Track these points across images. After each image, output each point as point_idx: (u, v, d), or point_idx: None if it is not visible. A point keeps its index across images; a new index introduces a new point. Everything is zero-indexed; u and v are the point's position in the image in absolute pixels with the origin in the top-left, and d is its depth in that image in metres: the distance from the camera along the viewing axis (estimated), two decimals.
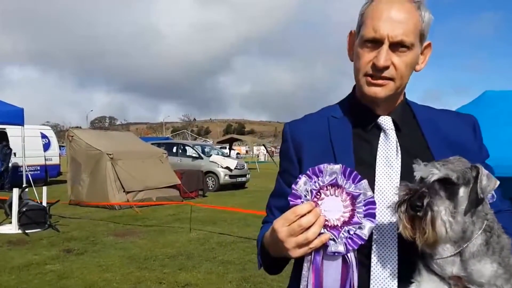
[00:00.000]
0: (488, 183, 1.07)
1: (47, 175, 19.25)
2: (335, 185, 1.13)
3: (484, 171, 1.08)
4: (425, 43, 1.29)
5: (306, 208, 1.11)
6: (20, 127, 10.98)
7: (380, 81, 1.25)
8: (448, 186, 1.07)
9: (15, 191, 9.01)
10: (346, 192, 1.13)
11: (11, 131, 16.86)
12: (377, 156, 1.28)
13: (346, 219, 1.12)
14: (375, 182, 1.24)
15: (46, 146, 19.87)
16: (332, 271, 1.14)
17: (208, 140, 72.02)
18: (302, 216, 1.11)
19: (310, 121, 1.42)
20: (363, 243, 1.12)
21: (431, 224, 1.04)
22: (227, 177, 17.86)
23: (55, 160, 20.42)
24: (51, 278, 5.99)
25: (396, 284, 1.18)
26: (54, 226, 9.25)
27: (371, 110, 1.33)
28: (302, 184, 1.13)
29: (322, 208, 1.12)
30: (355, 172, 1.14)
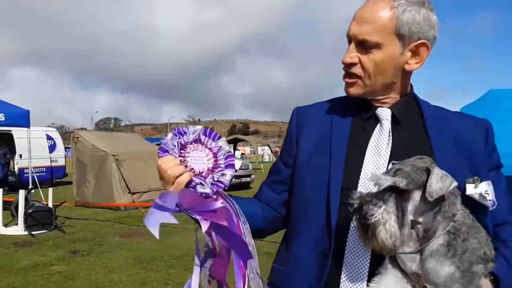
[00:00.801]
0: (442, 185, 1.06)
1: (52, 176, 19.34)
2: (198, 141, 1.30)
3: (436, 173, 1.07)
4: (416, 43, 1.27)
5: (169, 157, 1.26)
6: (26, 129, 11.03)
7: (349, 80, 1.33)
8: (399, 192, 1.09)
9: (21, 193, 9.07)
10: (208, 148, 1.30)
11: (17, 133, 16.92)
12: (369, 143, 1.32)
13: (210, 168, 1.30)
14: (362, 168, 1.29)
15: (52, 148, 19.97)
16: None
17: None
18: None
19: (318, 107, 1.49)
20: (226, 187, 1.29)
21: (373, 234, 1.08)
22: None
23: (61, 162, 20.52)
24: (57, 279, 6.03)
25: (366, 276, 1.22)
26: (60, 227, 9.30)
27: (370, 103, 1.37)
28: (169, 139, 1.29)
29: (189, 160, 1.29)
30: (214, 132, 1.31)
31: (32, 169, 11.46)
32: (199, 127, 1.31)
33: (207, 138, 1.30)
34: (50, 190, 10.05)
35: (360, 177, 1.28)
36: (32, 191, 9.97)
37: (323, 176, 1.32)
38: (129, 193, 12.36)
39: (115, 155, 12.55)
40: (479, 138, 1.34)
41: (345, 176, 1.29)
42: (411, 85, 1.40)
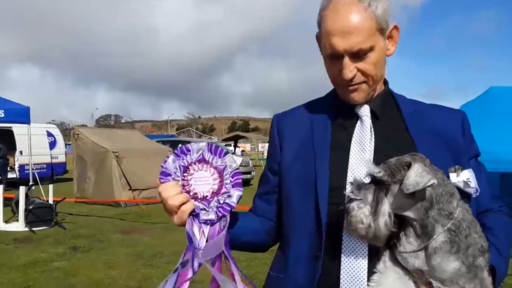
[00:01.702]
0: (419, 180, 1.06)
1: (53, 173, 19.36)
2: (202, 160, 1.23)
3: (416, 168, 1.07)
4: (390, 28, 1.30)
5: (170, 184, 1.21)
6: (26, 125, 11.04)
7: (353, 87, 1.31)
8: (380, 184, 1.11)
9: (22, 189, 9.08)
10: (214, 166, 1.24)
11: (18, 129, 16.93)
12: (352, 141, 1.33)
13: (215, 190, 1.23)
14: (348, 165, 1.29)
15: (52, 145, 19.98)
16: (208, 234, 1.24)
17: (213, 137, 72.09)
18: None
19: (296, 111, 1.50)
20: (233, 209, 1.24)
21: (348, 221, 1.12)
22: None
23: (61, 158, 20.54)
24: (57, 276, 6.04)
25: (366, 275, 1.21)
26: (61, 223, 9.32)
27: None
28: (170, 162, 1.21)
29: (192, 183, 1.23)
30: (220, 148, 1.25)
31: (33, 165, 11.46)
32: (203, 144, 1.24)
33: (212, 155, 1.24)
34: (51, 186, 10.07)
35: (347, 175, 1.27)
36: (33, 187, 9.99)
37: (309, 179, 1.31)
38: (129, 189, 12.36)
39: (116, 152, 12.55)
40: (457, 129, 1.36)
41: (332, 176, 1.29)
42: (385, 79, 1.41)
